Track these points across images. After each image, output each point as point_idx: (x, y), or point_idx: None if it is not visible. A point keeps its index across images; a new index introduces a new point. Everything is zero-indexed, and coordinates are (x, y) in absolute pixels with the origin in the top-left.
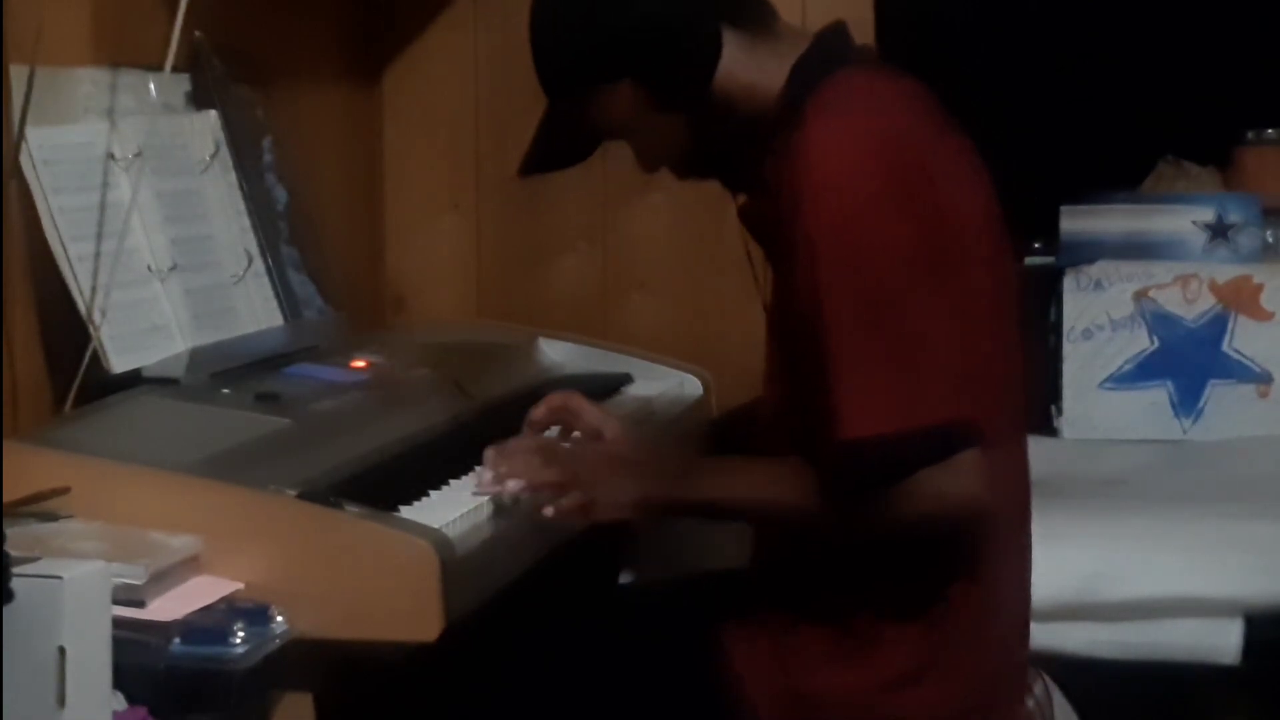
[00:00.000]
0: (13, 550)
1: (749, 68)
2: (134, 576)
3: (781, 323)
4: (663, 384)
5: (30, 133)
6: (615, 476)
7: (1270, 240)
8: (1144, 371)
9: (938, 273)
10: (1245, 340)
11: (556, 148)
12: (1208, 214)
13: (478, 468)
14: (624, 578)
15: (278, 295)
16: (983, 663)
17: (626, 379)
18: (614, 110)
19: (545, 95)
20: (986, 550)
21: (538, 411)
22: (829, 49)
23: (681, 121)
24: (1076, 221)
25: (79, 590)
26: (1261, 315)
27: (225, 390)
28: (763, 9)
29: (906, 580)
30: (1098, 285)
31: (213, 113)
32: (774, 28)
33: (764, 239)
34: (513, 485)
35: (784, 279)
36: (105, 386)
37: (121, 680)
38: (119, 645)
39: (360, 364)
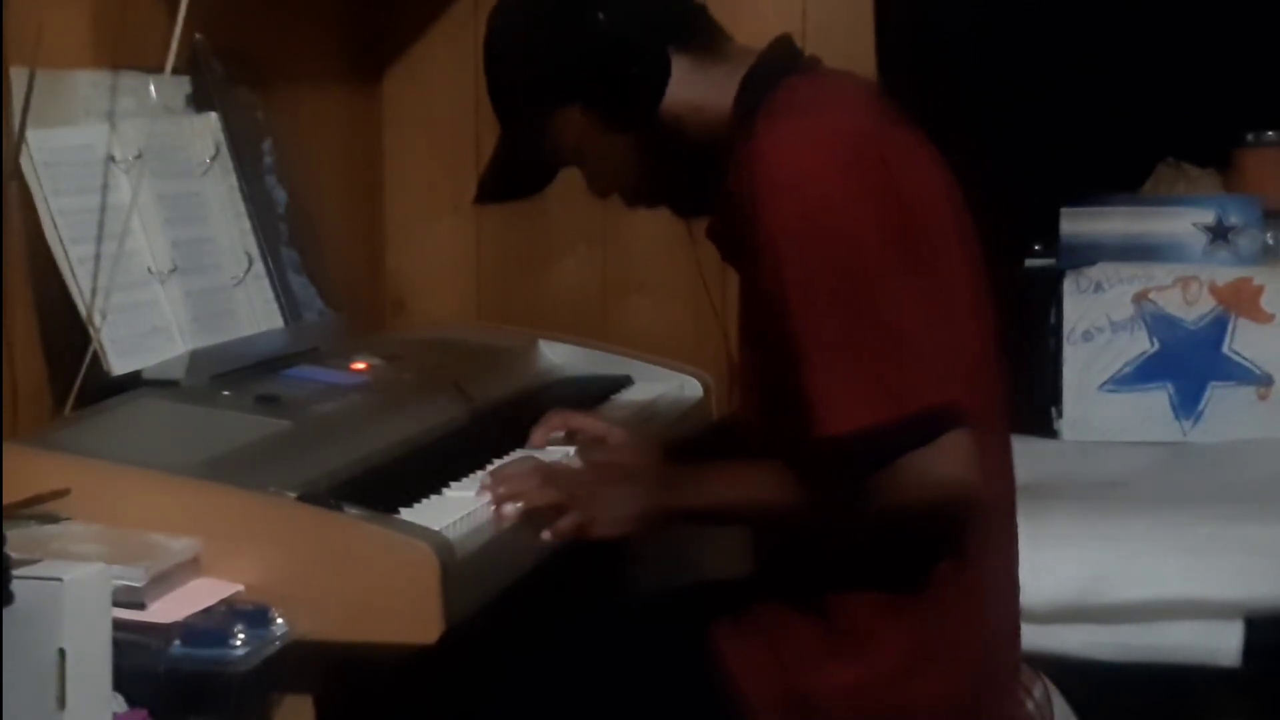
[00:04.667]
0: (13, 552)
1: (697, 88)
2: (134, 578)
3: (753, 333)
4: (663, 386)
5: (30, 135)
6: (612, 492)
7: (1270, 242)
8: (1144, 373)
9: (905, 260)
10: (1245, 342)
11: (511, 176)
12: (1208, 216)
13: (478, 472)
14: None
15: (278, 297)
16: (975, 655)
17: (626, 381)
18: (564, 135)
19: (498, 122)
20: (973, 539)
21: (536, 436)
22: (775, 61)
23: (630, 144)
24: (1076, 223)
25: (79, 592)
26: (1262, 317)
27: (225, 392)
28: (712, 31)
29: (897, 572)
30: (1098, 287)
31: (213, 115)
32: (724, 49)
33: (732, 253)
34: (509, 509)
35: (752, 289)
36: (105, 388)
37: (122, 682)
38: (119, 647)
39: (360, 366)
